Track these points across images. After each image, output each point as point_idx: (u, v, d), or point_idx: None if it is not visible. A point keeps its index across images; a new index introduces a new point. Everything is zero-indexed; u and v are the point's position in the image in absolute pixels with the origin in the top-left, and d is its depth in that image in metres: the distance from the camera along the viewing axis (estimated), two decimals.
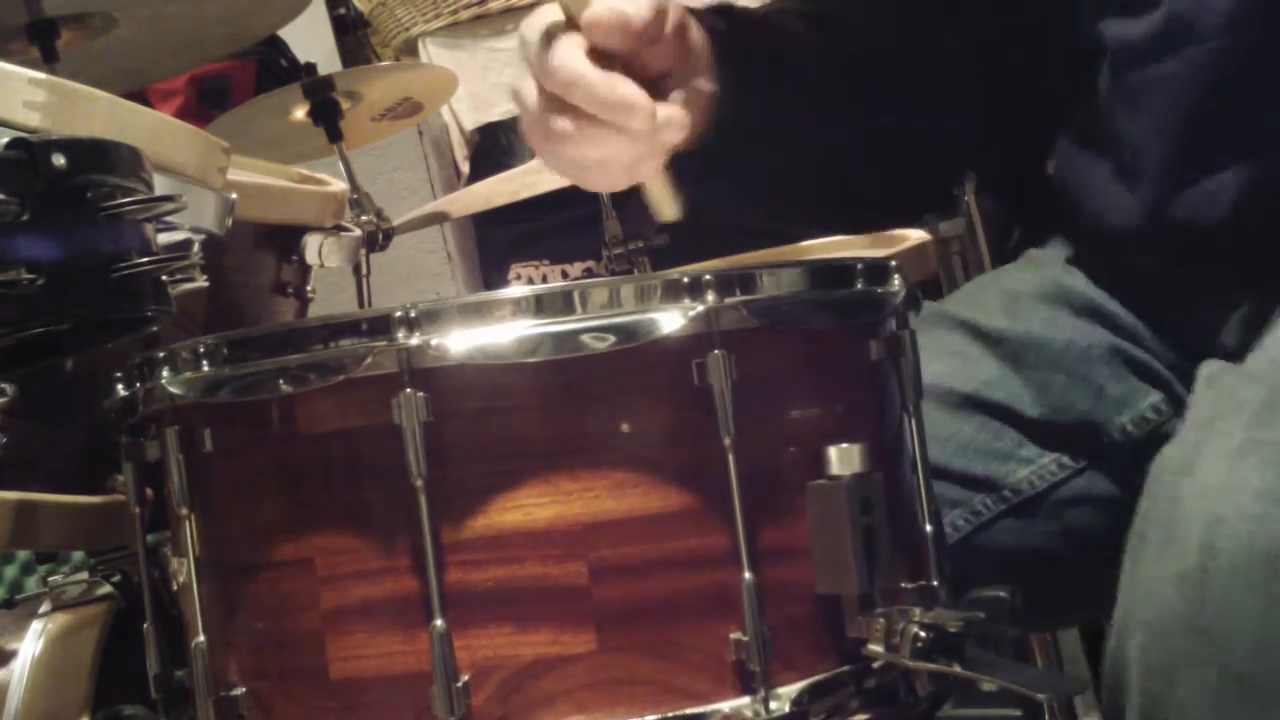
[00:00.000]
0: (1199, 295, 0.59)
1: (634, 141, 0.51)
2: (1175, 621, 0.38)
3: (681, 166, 0.56)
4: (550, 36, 0.51)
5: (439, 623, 0.46)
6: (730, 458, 0.46)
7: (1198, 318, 0.59)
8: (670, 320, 0.46)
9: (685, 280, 0.47)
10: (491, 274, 1.73)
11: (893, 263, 0.55)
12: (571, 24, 0.51)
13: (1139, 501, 0.42)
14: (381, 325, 0.46)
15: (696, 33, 0.57)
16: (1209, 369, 0.44)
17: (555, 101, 0.51)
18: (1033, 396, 0.61)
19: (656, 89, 0.52)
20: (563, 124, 0.51)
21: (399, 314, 0.46)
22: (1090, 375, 0.61)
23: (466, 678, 0.46)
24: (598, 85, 0.49)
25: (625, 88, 0.50)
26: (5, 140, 0.50)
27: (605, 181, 0.55)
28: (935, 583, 0.52)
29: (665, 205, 0.57)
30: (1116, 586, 0.60)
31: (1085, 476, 0.61)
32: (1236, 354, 0.54)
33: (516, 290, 0.48)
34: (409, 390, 0.46)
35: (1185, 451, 0.42)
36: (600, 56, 0.50)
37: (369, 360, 0.46)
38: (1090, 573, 0.60)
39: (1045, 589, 0.55)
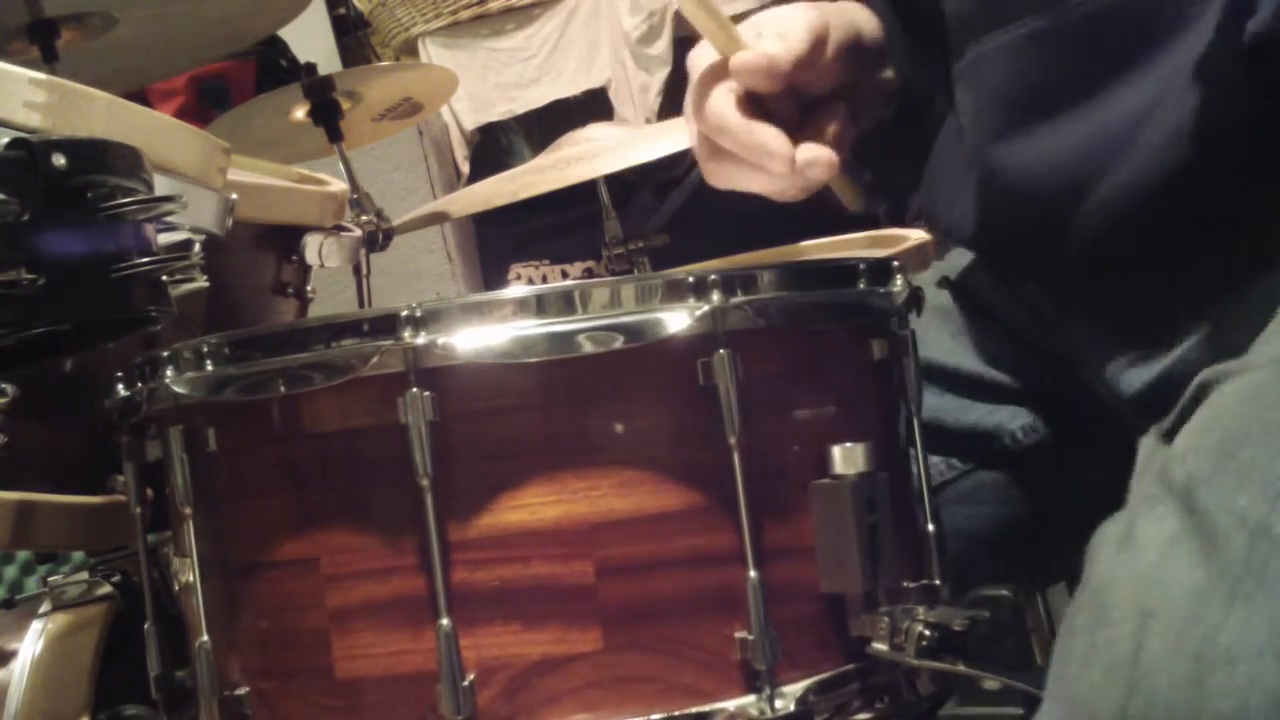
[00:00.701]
0: (1053, 308, 0.59)
1: (778, 179, 0.54)
2: (1103, 709, 0.37)
3: (865, 149, 0.59)
4: (709, 78, 0.53)
5: (445, 622, 0.46)
6: (736, 457, 0.47)
7: (1059, 335, 0.59)
8: (677, 320, 0.46)
9: (691, 280, 0.47)
10: (491, 274, 1.73)
11: (895, 263, 0.55)
12: (726, 63, 0.53)
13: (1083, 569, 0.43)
14: (388, 324, 0.46)
15: (868, 25, 0.58)
16: (1149, 442, 0.45)
17: (710, 140, 0.54)
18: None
19: (823, 110, 0.54)
20: (719, 161, 0.54)
21: (405, 313, 0.46)
22: (976, 393, 0.62)
23: (472, 676, 0.46)
24: (738, 133, 0.52)
25: (762, 136, 0.52)
26: (5, 140, 0.49)
27: (780, 195, 0.57)
28: (938, 582, 0.52)
29: (849, 198, 0.60)
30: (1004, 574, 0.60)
31: (973, 477, 0.63)
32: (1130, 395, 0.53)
33: (522, 290, 0.48)
34: (415, 389, 0.46)
35: (1125, 525, 0.41)
36: (754, 96, 0.53)
37: (375, 359, 0.46)
38: (982, 569, 0.61)
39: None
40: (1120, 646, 0.38)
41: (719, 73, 0.53)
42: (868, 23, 0.60)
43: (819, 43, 0.54)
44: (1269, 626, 0.35)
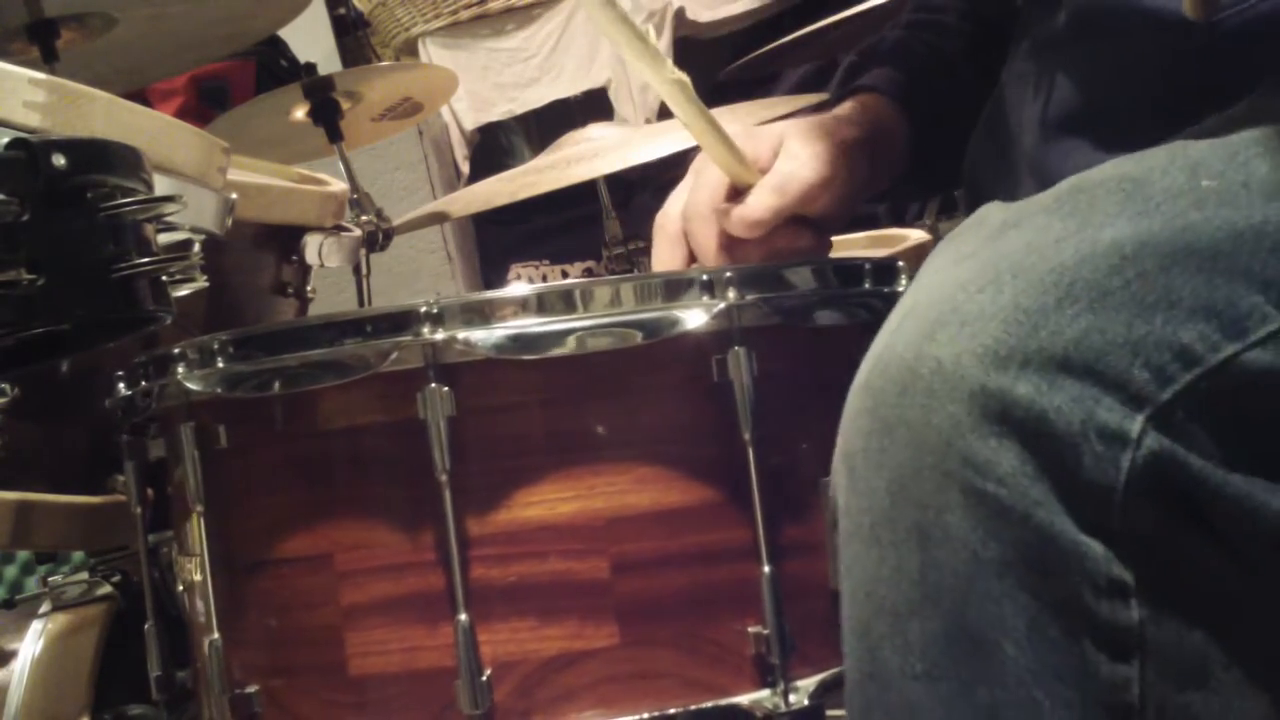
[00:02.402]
0: None
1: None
2: (854, 389, 0.39)
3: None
4: (702, 210, 0.58)
5: (463, 617, 0.46)
6: (750, 453, 0.47)
7: None
8: (694, 317, 0.47)
9: (705, 277, 0.47)
10: (491, 274, 1.73)
11: (900, 262, 0.55)
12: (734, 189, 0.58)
13: None
14: (406, 320, 0.46)
15: (883, 134, 0.62)
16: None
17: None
18: None
19: (792, 233, 0.59)
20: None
21: (423, 309, 0.46)
22: None
23: (489, 672, 0.46)
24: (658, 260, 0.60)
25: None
26: (5, 140, 0.49)
27: None
28: None
29: None
30: None
31: None
32: None
33: (539, 286, 0.48)
34: (434, 385, 0.46)
35: (929, 259, 0.43)
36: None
37: (395, 355, 0.46)
38: None
39: None
40: (882, 335, 0.39)
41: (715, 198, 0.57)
42: (884, 132, 0.63)
43: (814, 196, 0.57)
44: (1012, 302, 0.36)
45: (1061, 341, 0.35)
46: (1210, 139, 0.42)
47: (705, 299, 0.47)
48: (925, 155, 0.65)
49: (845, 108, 0.63)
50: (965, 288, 0.38)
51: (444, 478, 0.46)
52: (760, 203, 0.56)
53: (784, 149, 0.58)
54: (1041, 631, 0.35)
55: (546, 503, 0.47)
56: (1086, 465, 0.35)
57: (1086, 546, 0.35)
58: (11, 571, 1.04)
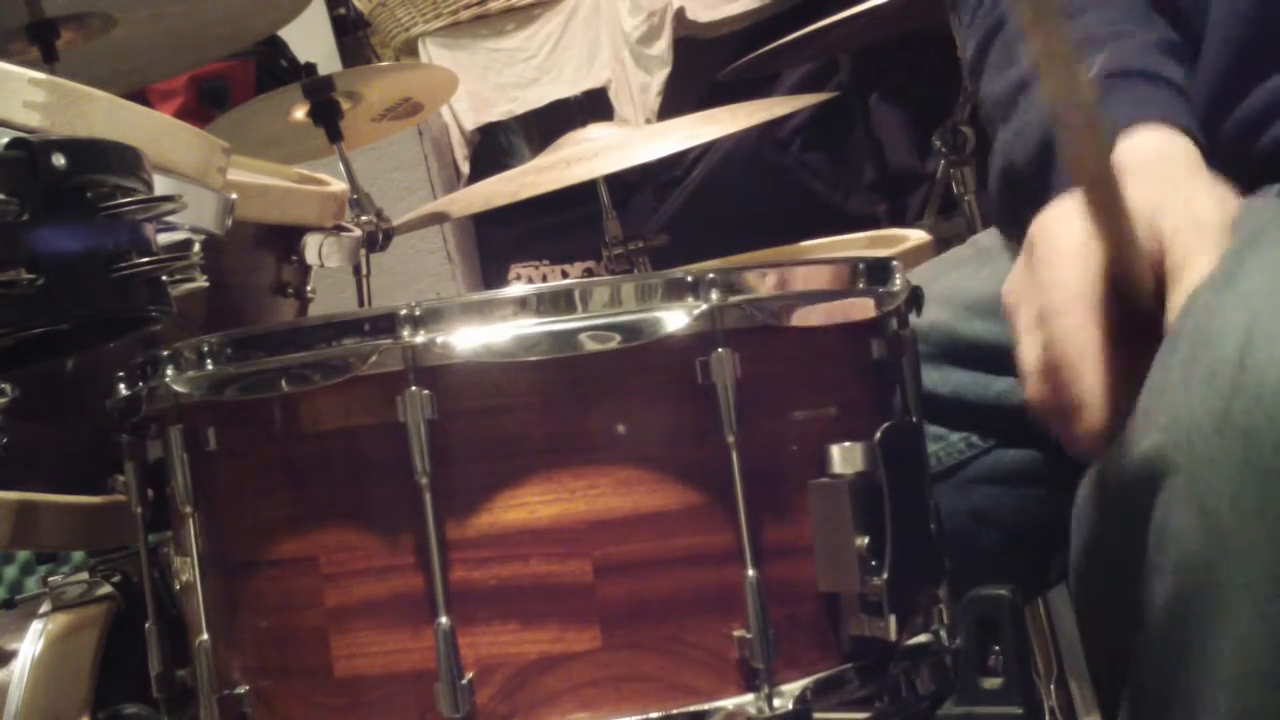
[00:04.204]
0: None
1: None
2: (1203, 417, 0.36)
3: None
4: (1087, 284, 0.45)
5: (444, 620, 0.46)
6: (734, 456, 0.47)
7: None
8: (674, 319, 0.46)
9: (689, 279, 0.47)
10: (491, 274, 1.74)
11: (894, 262, 0.55)
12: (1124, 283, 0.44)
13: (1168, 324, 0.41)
14: (386, 323, 0.46)
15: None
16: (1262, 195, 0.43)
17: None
18: (942, 378, 0.62)
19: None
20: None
21: (404, 312, 0.46)
22: (1000, 367, 0.60)
23: (471, 675, 0.46)
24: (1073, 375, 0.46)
25: (1086, 385, 0.45)
26: (5, 140, 0.50)
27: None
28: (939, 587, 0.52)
29: None
30: (1023, 566, 0.59)
31: (993, 455, 0.62)
32: None
33: (520, 289, 0.48)
34: (414, 388, 0.46)
35: (1225, 267, 0.40)
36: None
37: (374, 358, 0.46)
38: (997, 553, 0.60)
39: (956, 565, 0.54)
40: (1223, 360, 0.36)
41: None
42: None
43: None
44: None
45: None
46: None
47: (688, 300, 0.47)
48: None
49: (1166, 149, 0.50)
50: None
51: (424, 481, 0.46)
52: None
53: (1171, 247, 0.44)
54: None
55: (528, 506, 0.46)
56: None
57: None
58: (11, 571, 1.05)
